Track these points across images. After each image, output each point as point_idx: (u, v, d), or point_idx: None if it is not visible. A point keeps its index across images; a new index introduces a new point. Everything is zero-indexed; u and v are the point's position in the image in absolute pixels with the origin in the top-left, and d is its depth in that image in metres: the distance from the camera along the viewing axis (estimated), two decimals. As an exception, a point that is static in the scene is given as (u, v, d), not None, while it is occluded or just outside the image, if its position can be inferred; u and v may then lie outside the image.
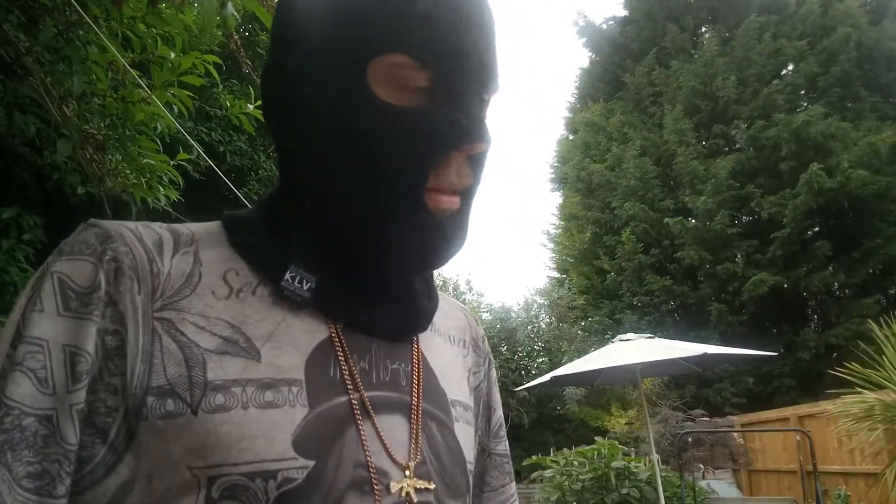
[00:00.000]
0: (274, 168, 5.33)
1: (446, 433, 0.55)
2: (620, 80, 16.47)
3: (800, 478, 7.91)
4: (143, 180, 2.40)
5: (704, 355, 4.91)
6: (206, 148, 4.37)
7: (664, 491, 5.31)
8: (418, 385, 0.55)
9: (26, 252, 3.14)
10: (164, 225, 0.51)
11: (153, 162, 2.38)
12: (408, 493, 0.48)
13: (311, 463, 0.44)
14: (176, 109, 2.47)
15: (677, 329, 12.90)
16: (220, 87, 4.02)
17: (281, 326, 0.49)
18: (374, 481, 0.46)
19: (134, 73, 2.18)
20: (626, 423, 10.50)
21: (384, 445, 0.49)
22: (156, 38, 2.28)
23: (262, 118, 2.53)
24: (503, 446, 0.69)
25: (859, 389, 5.07)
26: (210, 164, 3.06)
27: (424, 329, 0.58)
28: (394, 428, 0.50)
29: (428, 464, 0.51)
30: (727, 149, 14.54)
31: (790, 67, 14.31)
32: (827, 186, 11.80)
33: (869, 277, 12.53)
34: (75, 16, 2.13)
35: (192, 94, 2.29)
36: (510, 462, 0.70)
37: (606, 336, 11.76)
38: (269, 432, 0.44)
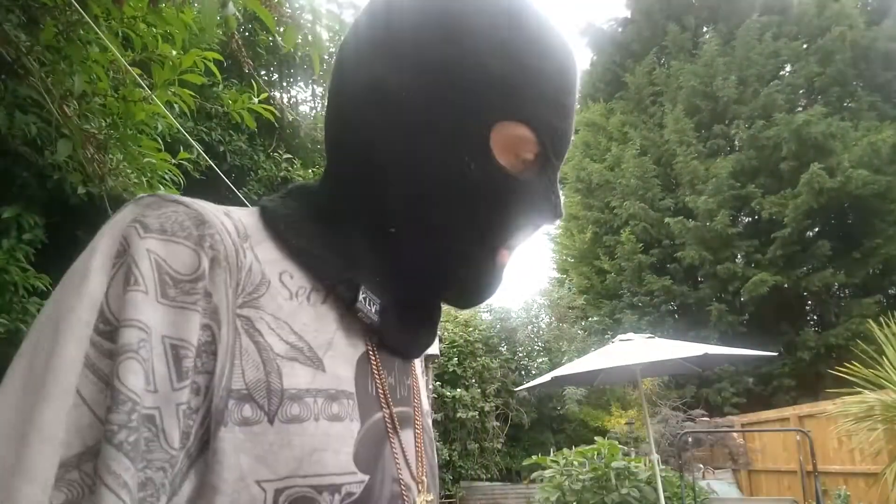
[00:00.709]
0: (273, 168, 5.34)
1: (431, 445, 0.59)
2: (621, 79, 16.47)
3: (800, 478, 7.91)
4: (143, 179, 2.40)
5: (704, 355, 4.90)
6: (206, 147, 4.37)
7: (664, 491, 5.31)
8: (418, 400, 0.58)
9: (26, 252, 3.13)
10: (221, 208, 0.46)
11: (154, 161, 2.38)
12: None
13: (367, 477, 0.45)
14: (177, 109, 2.47)
15: (677, 329, 12.89)
16: (221, 86, 4.02)
17: (336, 336, 0.48)
18: (405, 496, 0.49)
19: (134, 72, 2.18)
20: (626, 423, 10.49)
21: (406, 461, 0.51)
22: (156, 37, 2.28)
23: (263, 113, 2.53)
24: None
25: (859, 389, 5.07)
26: (210, 164, 3.06)
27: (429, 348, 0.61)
28: (409, 443, 0.53)
29: (427, 477, 0.54)
30: (727, 149, 14.54)
31: (788, 68, 14.31)
32: (828, 186, 11.80)
33: (869, 277, 12.53)
34: (76, 15, 2.13)
35: (192, 94, 2.29)
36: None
37: (606, 336, 11.76)
38: (335, 445, 0.43)
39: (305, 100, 6.74)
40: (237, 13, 1.83)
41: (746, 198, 13.25)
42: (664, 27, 15.99)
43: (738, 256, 13.39)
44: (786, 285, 12.58)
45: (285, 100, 5.79)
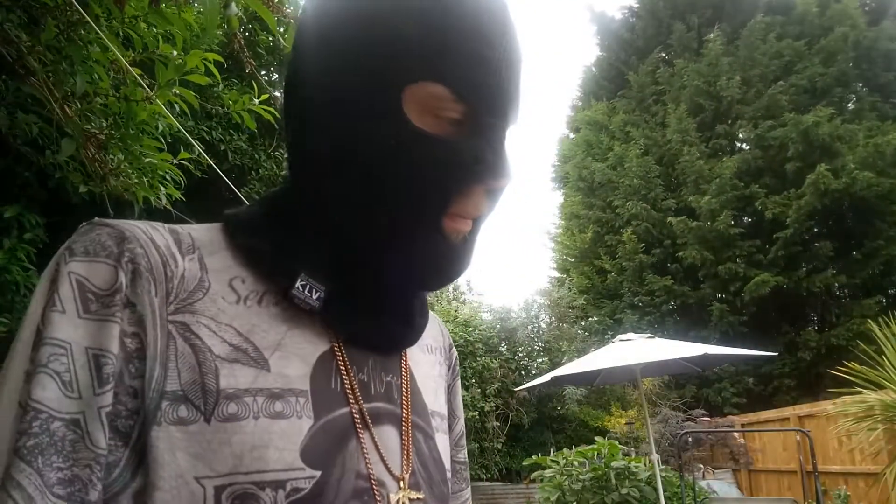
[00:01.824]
0: (275, 167, 5.34)
1: (430, 444, 0.57)
2: (624, 77, 16.46)
3: (800, 478, 7.91)
4: (145, 179, 2.41)
5: (705, 355, 4.91)
6: (207, 147, 4.37)
7: (664, 491, 5.32)
8: (408, 397, 0.56)
9: (28, 251, 3.14)
10: (166, 226, 0.50)
11: (155, 161, 2.39)
12: None
13: (318, 473, 0.45)
14: (178, 108, 2.47)
15: (678, 329, 12.89)
16: (221, 86, 4.02)
17: (287, 336, 0.49)
18: (375, 492, 0.48)
19: (135, 72, 2.18)
20: (626, 423, 10.50)
21: (381, 457, 0.50)
22: (157, 37, 2.28)
23: (263, 114, 2.54)
24: (463, 454, 0.72)
25: (859, 389, 5.07)
26: (211, 164, 3.06)
27: (414, 344, 0.59)
28: (389, 439, 0.52)
29: (417, 474, 0.53)
30: (730, 149, 14.53)
31: (791, 66, 14.29)
32: (833, 187, 11.79)
33: (870, 278, 12.52)
34: (76, 15, 2.14)
35: (195, 94, 2.29)
36: (468, 469, 0.73)
37: (606, 336, 11.76)
38: (278, 442, 0.44)
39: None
40: (241, 14, 1.84)
41: (750, 198, 13.24)
42: (669, 25, 15.98)
43: (740, 257, 13.38)
44: (787, 286, 12.58)
45: (286, 99, 5.80)
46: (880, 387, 4.87)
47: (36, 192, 3.46)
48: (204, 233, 0.51)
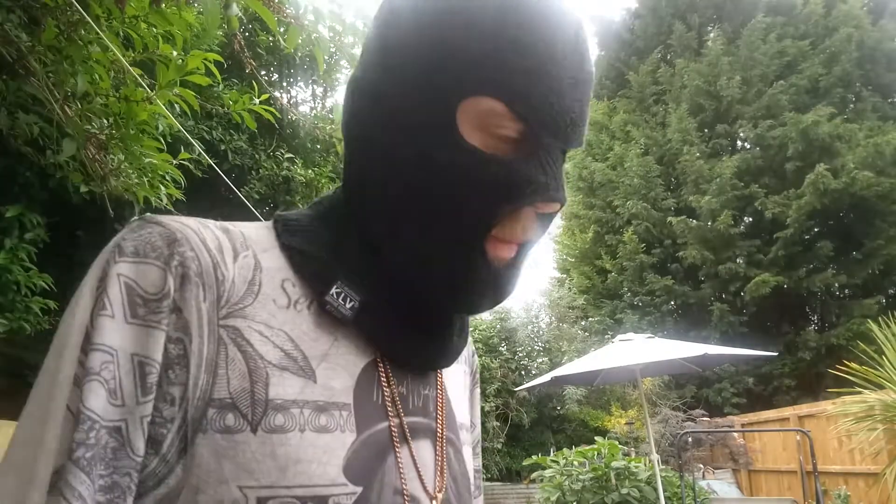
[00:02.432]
0: (274, 167, 5.35)
1: (460, 458, 0.56)
2: (625, 77, 16.46)
3: (800, 478, 7.91)
4: (145, 180, 2.41)
5: (704, 355, 4.91)
6: (207, 147, 4.38)
7: (664, 491, 5.32)
8: (443, 411, 0.55)
9: (28, 251, 3.15)
10: (218, 225, 0.48)
11: (155, 161, 2.39)
12: None
13: (360, 489, 0.44)
14: (178, 108, 2.48)
15: (678, 329, 12.89)
16: (221, 86, 4.02)
17: (333, 347, 0.48)
18: None
19: (135, 72, 2.18)
20: (626, 423, 10.50)
21: (418, 472, 0.50)
22: (157, 37, 2.28)
23: (263, 114, 2.54)
24: (478, 462, 0.70)
25: (859, 389, 5.07)
26: (211, 164, 3.06)
27: (449, 365, 0.57)
28: (425, 454, 0.51)
29: (449, 490, 0.52)
30: (730, 149, 14.53)
31: (793, 66, 14.29)
32: (832, 187, 11.79)
33: (870, 278, 12.52)
34: (77, 15, 2.14)
35: (195, 94, 2.30)
36: (481, 477, 0.71)
37: (607, 336, 11.76)
38: (322, 457, 0.44)
39: (306, 100, 6.75)
40: (241, 14, 1.84)
41: (750, 198, 13.24)
42: (669, 25, 15.97)
43: (740, 256, 13.38)
44: (787, 286, 12.58)
45: (285, 100, 5.79)
46: (880, 387, 4.87)
47: (36, 192, 3.47)
48: (254, 231, 0.50)
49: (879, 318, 5.29)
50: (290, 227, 0.51)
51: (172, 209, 2.75)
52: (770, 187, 13.14)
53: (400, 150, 0.48)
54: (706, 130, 14.76)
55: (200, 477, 0.41)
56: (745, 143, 14.39)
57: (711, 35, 15.08)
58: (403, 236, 0.49)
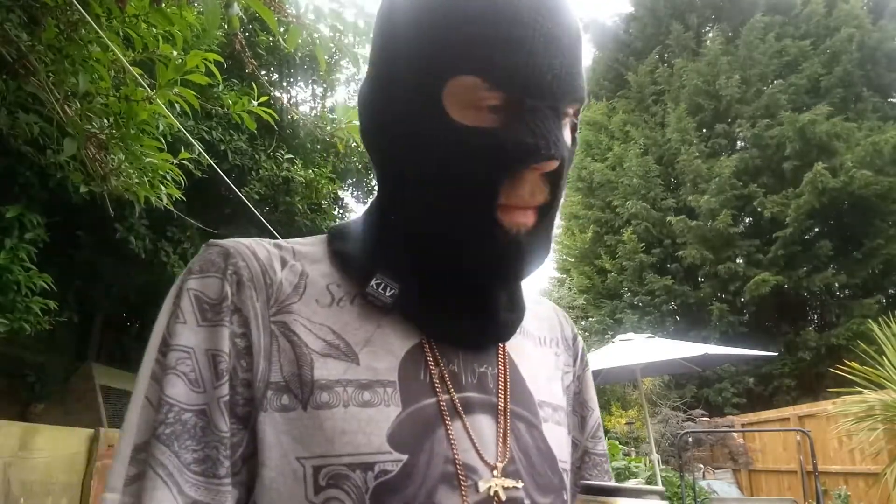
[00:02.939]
0: (274, 168, 5.35)
1: (535, 433, 0.56)
2: (623, 77, 16.47)
3: (800, 478, 7.91)
4: (145, 179, 2.40)
5: (704, 355, 4.91)
6: (207, 147, 4.37)
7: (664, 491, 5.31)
8: (505, 387, 0.56)
9: (29, 251, 3.14)
10: (270, 242, 0.56)
11: (156, 161, 2.38)
12: (496, 492, 0.50)
13: (405, 457, 0.48)
14: (178, 108, 2.47)
15: (678, 329, 12.89)
16: (221, 86, 4.02)
17: (377, 333, 0.53)
18: (462, 477, 0.49)
19: (136, 71, 2.18)
20: (626, 423, 10.50)
21: (473, 444, 0.51)
22: (157, 36, 2.28)
23: (263, 115, 2.54)
24: (601, 446, 0.71)
25: (859, 389, 5.07)
26: (211, 164, 3.06)
27: (505, 340, 0.59)
28: (483, 428, 0.53)
29: (517, 462, 0.53)
30: (729, 148, 14.54)
31: (792, 66, 14.30)
32: (830, 186, 11.79)
33: (869, 277, 12.52)
34: (77, 15, 2.13)
35: (195, 94, 2.29)
36: (608, 461, 0.72)
37: (607, 336, 11.77)
38: (366, 428, 0.48)
39: (306, 100, 6.75)
40: (241, 14, 1.84)
41: (749, 197, 13.24)
42: (667, 25, 15.98)
43: (740, 256, 13.39)
44: (787, 285, 12.58)
45: (286, 100, 5.79)
46: (881, 387, 4.87)
47: (37, 192, 3.46)
48: (309, 245, 0.58)
49: (879, 318, 5.28)
50: (337, 234, 0.59)
51: (172, 209, 2.74)
52: (769, 187, 13.14)
53: (401, 141, 0.52)
54: (705, 130, 14.77)
55: (264, 452, 0.48)
56: (744, 143, 14.39)
57: (710, 35, 15.09)
58: (423, 221, 0.53)
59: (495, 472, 0.51)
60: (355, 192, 7.57)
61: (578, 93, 0.50)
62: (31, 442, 3.70)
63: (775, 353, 5.46)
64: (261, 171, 5.28)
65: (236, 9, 1.79)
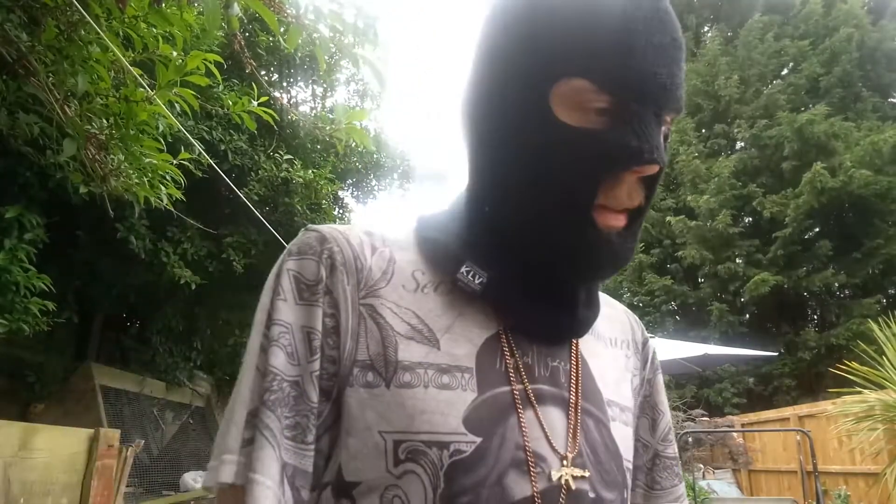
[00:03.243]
0: (274, 168, 5.34)
1: (602, 429, 0.58)
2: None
3: (800, 478, 7.91)
4: (145, 180, 2.40)
5: (704, 355, 4.91)
6: (207, 147, 4.37)
7: (664, 490, 5.29)
8: (577, 383, 0.59)
9: (28, 252, 3.14)
10: (363, 229, 0.59)
11: (155, 161, 2.38)
12: (566, 481, 0.52)
13: (479, 440, 0.50)
14: (178, 108, 2.47)
15: (678, 329, 12.89)
16: (221, 86, 4.01)
17: (458, 321, 0.56)
18: (532, 463, 0.51)
19: (136, 72, 2.18)
20: (626, 423, 10.46)
21: (545, 433, 0.53)
22: (157, 37, 2.28)
23: (263, 115, 2.54)
24: (672, 449, 0.72)
25: (859, 389, 5.07)
26: (211, 164, 3.06)
27: (580, 336, 0.61)
28: (553, 419, 0.55)
29: (584, 456, 0.55)
30: (728, 148, 14.54)
31: (791, 66, 14.30)
32: (829, 186, 11.79)
33: (869, 277, 12.52)
34: (76, 15, 2.13)
35: (195, 94, 2.29)
36: (679, 464, 0.73)
37: (607, 336, 11.72)
38: (444, 409, 0.51)
39: (306, 100, 6.74)
40: (241, 14, 1.83)
41: (748, 197, 13.24)
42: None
43: (739, 256, 13.39)
44: (786, 285, 12.58)
45: (285, 100, 5.79)
46: (881, 387, 4.87)
47: (36, 193, 3.45)
48: (399, 232, 0.61)
49: (879, 318, 5.28)
50: (425, 223, 0.61)
51: (172, 209, 2.74)
52: (768, 187, 13.15)
53: (504, 137, 0.54)
54: (704, 130, 14.76)
55: (350, 423, 0.52)
56: (743, 143, 14.40)
57: (709, 35, 15.08)
58: (519, 215, 0.55)
59: (565, 462, 0.53)
60: (355, 192, 7.57)
61: (679, 102, 0.53)
62: (30, 442, 3.70)
63: (775, 353, 5.47)
64: (260, 171, 5.27)
65: (236, 9, 1.79)
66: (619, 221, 0.53)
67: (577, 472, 0.53)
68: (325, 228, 0.57)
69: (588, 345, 0.63)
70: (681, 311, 14.31)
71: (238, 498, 0.49)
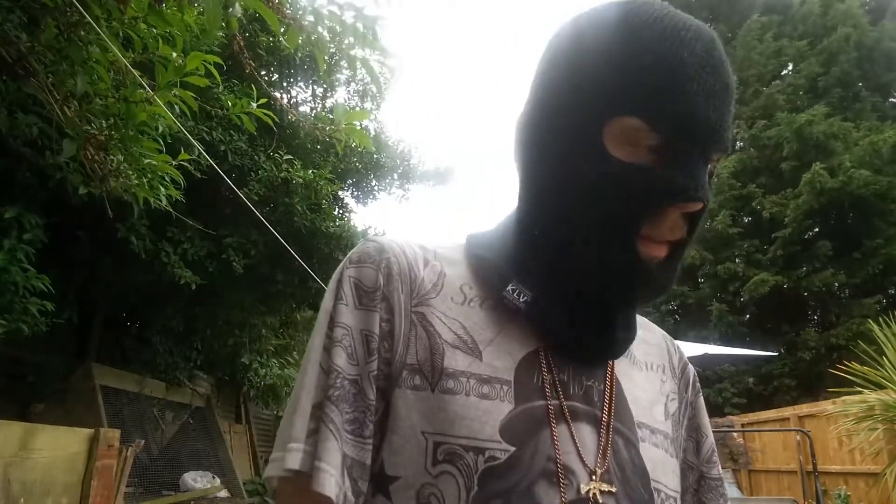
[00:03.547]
0: (274, 168, 5.34)
1: (632, 449, 0.61)
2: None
3: (800, 478, 7.91)
4: (144, 180, 2.40)
5: (704, 355, 4.91)
6: (207, 147, 4.37)
7: (664, 491, 5.29)
8: (610, 403, 0.61)
9: (27, 252, 3.14)
10: (418, 243, 0.64)
11: (155, 162, 2.38)
12: (594, 494, 0.55)
13: (513, 448, 0.53)
14: (178, 109, 2.47)
15: (678, 329, 12.89)
16: (221, 87, 4.01)
17: (500, 335, 0.59)
18: (561, 476, 0.54)
19: (135, 73, 2.18)
20: (626, 423, 10.47)
21: (576, 448, 0.56)
22: (157, 38, 2.27)
23: (263, 117, 2.54)
24: (716, 470, 0.74)
25: (859, 389, 5.07)
26: (211, 164, 3.06)
27: (617, 357, 0.64)
28: (585, 435, 0.58)
29: (612, 472, 0.57)
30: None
31: (790, 67, 14.29)
32: (829, 186, 11.79)
33: (869, 277, 12.52)
34: (76, 16, 2.13)
35: (194, 95, 2.29)
36: (724, 485, 0.75)
37: (607, 336, 11.73)
38: (482, 417, 0.54)
39: (306, 100, 6.74)
40: (241, 16, 1.83)
41: (747, 197, 13.24)
42: (665, 26, 15.96)
43: (739, 256, 13.39)
44: (786, 285, 12.58)
45: (285, 100, 5.79)
46: (881, 387, 4.87)
47: (36, 193, 3.45)
48: (450, 248, 0.65)
49: (879, 318, 5.28)
50: (475, 241, 0.65)
51: (171, 210, 2.74)
52: (767, 187, 13.15)
53: (557, 168, 0.58)
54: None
55: (395, 421, 0.55)
56: (743, 143, 14.39)
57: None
58: (566, 240, 0.58)
59: (594, 477, 0.55)
60: (355, 193, 7.57)
61: (725, 143, 0.55)
62: (31, 442, 3.70)
63: (775, 353, 5.47)
64: (260, 171, 5.27)
65: (238, 10, 1.79)
66: (661, 252, 0.56)
67: (605, 486, 0.55)
68: (384, 240, 0.61)
69: (623, 367, 0.65)
70: (681, 311, 14.31)
71: (302, 485, 0.52)
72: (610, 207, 0.54)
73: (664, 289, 0.58)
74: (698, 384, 0.76)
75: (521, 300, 0.59)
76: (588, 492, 0.54)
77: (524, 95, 0.64)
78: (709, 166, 0.56)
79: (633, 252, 0.55)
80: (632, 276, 0.56)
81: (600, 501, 0.54)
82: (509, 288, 0.60)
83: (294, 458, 0.52)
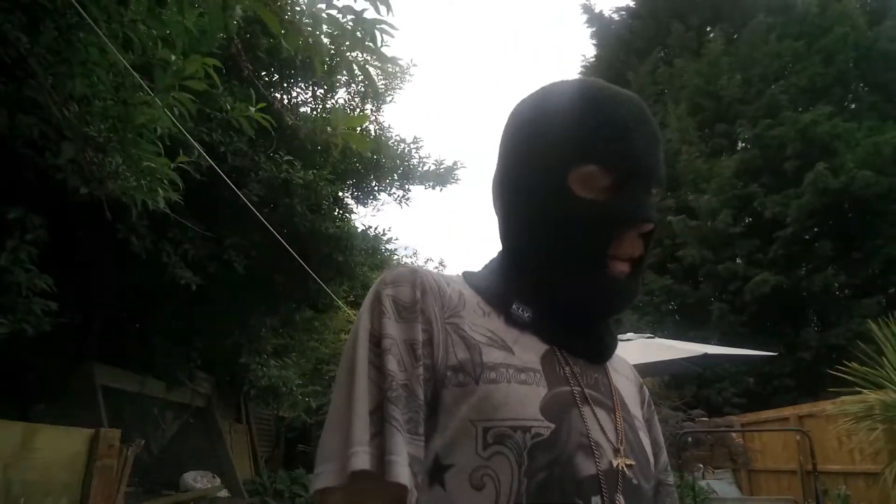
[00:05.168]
0: (273, 169, 5.35)
1: (636, 436, 0.73)
2: (624, 77, 16.44)
3: (799, 478, 7.91)
4: (143, 183, 2.41)
5: (704, 355, 4.91)
6: (207, 148, 4.37)
7: (664, 491, 5.29)
8: (616, 394, 0.74)
9: (30, 252, 3.15)
10: (434, 272, 0.74)
11: (153, 164, 2.39)
12: (621, 466, 0.65)
13: (553, 425, 0.63)
14: (177, 111, 2.48)
15: (678, 329, 12.87)
16: (221, 89, 4.02)
17: (520, 338, 0.70)
18: (594, 447, 0.64)
19: (135, 75, 2.19)
20: (626, 423, 10.45)
21: (601, 426, 0.67)
22: (156, 40, 2.28)
23: (262, 121, 2.55)
24: (671, 479, 0.87)
25: (859, 389, 5.07)
26: (211, 165, 3.06)
27: (608, 359, 0.77)
28: (603, 417, 0.69)
29: (629, 452, 0.68)
30: (730, 148, 14.52)
31: (792, 67, 14.28)
32: (831, 186, 11.77)
33: (869, 278, 12.50)
34: (76, 18, 2.14)
35: (192, 98, 2.29)
36: (675, 491, 0.88)
37: (607, 336, 11.71)
38: (524, 400, 0.63)
39: (306, 101, 6.75)
40: (239, 20, 1.84)
41: (749, 197, 13.23)
42: (668, 25, 15.97)
43: (739, 256, 13.37)
44: (787, 285, 12.56)
45: (286, 101, 5.79)
46: (880, 387, 4.86)
47: (37, 194, 3.46)
48: (453, 278, 0.76)
49: (879, 318, 5.28)
50: (471, 277, 0.77)
51: (170, 212, 2.75)
52: (769, 187, 13.13)
53: (533, 210, 0.72)
54: (706, 130, 14.75)
55: (445, 417, 0.63)
56: (745, 143, 14.38)
57: (711, 35, 15.06)
58: (549, 266, 0.71)
59: (619, 452, 0.66)
60: (355, 193, 7.57)
61: (661, 177, 0.72)
62: (31, 442, 3.71)
63: (775, 353, 5.47)
64: (260, 172, 5.28)
65: (237, 12, 1.79)
66: (626, 268, 0.70)
67: (629, 461, 0.66)
68: (414, 266, 0.74)
69: (613, 374, 0.78)
70: (681, 311, 14.29)
71: (368, 485, 0.56)
72: (581, 237, 0.68)
73: (633, 296, 0.71)
74: (653, 405, 0.90)
75: (526, 315, 0.71)
76: (617, 465, 0.64)
77: (494, 159, 0.79)
78: (652, 196, 0.71)
79: (605, 271, 0.68)
80: (606, 289, 0.69)
81: (627, 474, 0.65)
82: (514, 307, 0.71)
83: (362, 460, 0.56)
